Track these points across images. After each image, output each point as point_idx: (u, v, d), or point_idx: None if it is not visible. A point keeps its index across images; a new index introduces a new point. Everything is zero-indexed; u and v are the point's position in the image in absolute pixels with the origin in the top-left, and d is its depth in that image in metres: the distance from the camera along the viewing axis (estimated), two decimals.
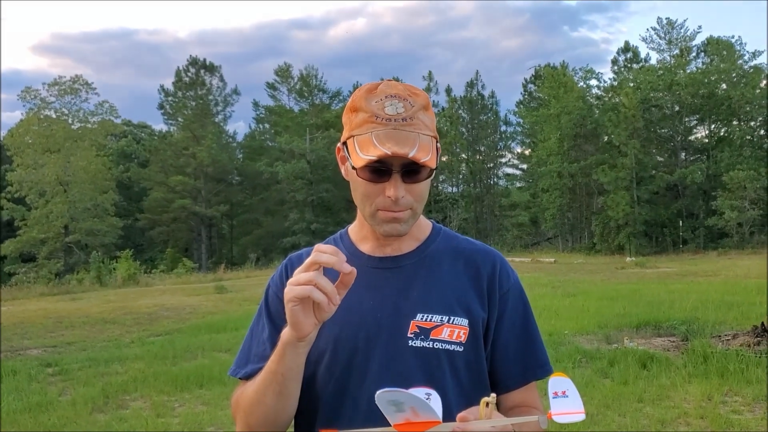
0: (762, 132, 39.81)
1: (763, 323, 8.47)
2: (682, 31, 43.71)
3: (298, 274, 1.16)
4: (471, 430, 1.04)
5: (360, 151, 1.25)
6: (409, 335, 1.32)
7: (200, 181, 48.32)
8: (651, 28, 45.06)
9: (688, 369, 7.22)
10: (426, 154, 1.24)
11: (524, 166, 53.70)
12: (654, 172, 39.63)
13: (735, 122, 39.96)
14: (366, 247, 1.43)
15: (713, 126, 41.77)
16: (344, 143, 1.33)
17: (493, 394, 1.08)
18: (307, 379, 1.35)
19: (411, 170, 1.26)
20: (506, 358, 1.41)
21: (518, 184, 55.81)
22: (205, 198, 48.61)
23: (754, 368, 6.97)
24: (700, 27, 60.54)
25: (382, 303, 1.36)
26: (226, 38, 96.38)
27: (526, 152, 52.63)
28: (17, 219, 40.37)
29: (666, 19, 43.97)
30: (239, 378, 1.43)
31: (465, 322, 1.35)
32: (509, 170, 55.12)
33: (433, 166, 1.26)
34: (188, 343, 10.59)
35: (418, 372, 1.30)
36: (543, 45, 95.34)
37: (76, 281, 26.08)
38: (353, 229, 1.48)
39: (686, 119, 41.18)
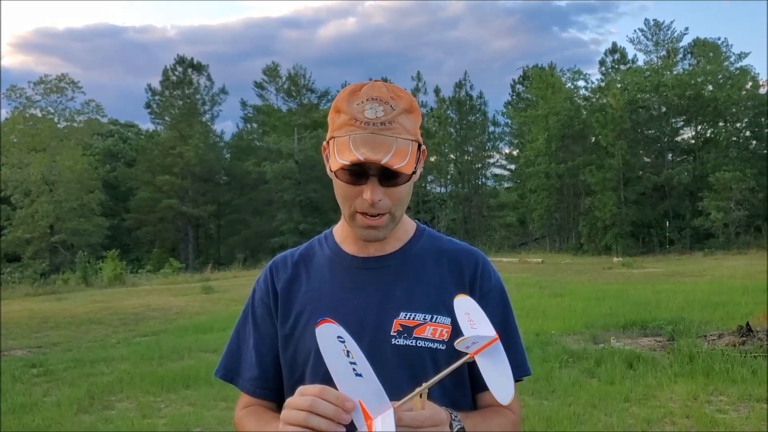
0: (748, 133, 40.11)
1: (748, 323, 8.53)
2: (669, 32, 44.07)
3: (297, 398, 1.12)
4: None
5: (337, 154, 1.27)
6: (392, 334, 1.34)
7: (187, 181, 48.10)
8: (638, 29, 45.50)
9: (674, 368, 7.26)
10: (401, 160, 1.25)
11: (512, 167, 53.83)
12: (641, 172, 39.84)
13: (721, 123, 40.20)
14: (350, 248, 1.45)
15: (700, 127, 42.01)
16: (328, 143, 1.35)
17: (425, 384, 1.11)
18: (297, 380, 1.38)
19: (389, 174, 1.27)
20: None
21: (506, 185, 55.95)
22: (192, 198, 48.40)
23: (739, 368, 7.01)
24: (686, 29, 61.06)
25: (366, 303, 1.38)
26: (215, 37, 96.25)
27: (514, 153, 52.79)
28: (2, 218, 40.08)
29: (653, 20, 44.32)
30: (238, 388, 1.49)
31: (448, 320, 1.36)
32: (497, 171, 55.29)
33: (409, 171, 1.27)
34: (175, 344, 10.53)
35: (401, 370, 1.32)
36: (533, 46, 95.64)
37: (61, 281, 25.89)
38: (337, 229, 1.50)
39: (673, 120, 41.39)
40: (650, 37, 44.54)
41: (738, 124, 40.07)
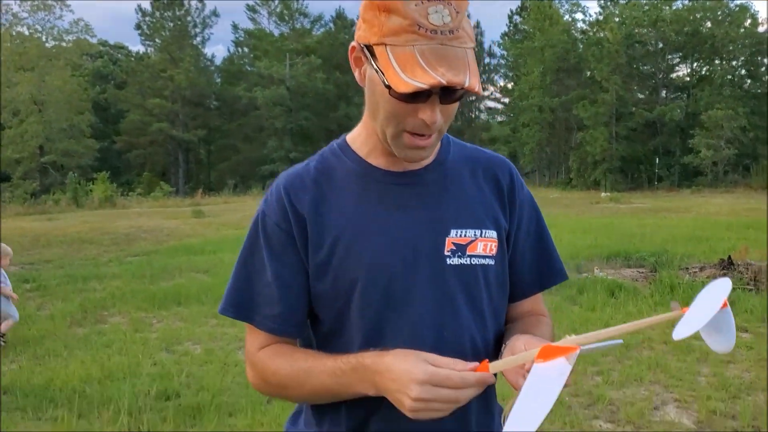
0: (743, 72, 39.90)
1: (729, 257, 8.72)
2: None
3: (433, 374, 1.07)
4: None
5: (402, 71, 1.07)
6: (446, 253, 1.26)
7: (177, 105, 47.65)
8: None
9: (654, 298, 7.43)
10: (477, 79, 1.11)
11: (506, 100, 53.51)
12: (634, 108, 39.74)
13: (717, 61, 39.95)
14: (378, 161, 1.29)
15: (695, 64, 41.76)
16: (368, 47, 1.14)
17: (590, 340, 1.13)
18: (339, 309, 1.26)
19: (451, 91, 1.12)
20: (523, 266, 1.39)
21: (499, 119, 55.72)
22: (183, 122, 48.05)
23: None
24: None
25: (413, 222, 1.26)
26: None
27: (509, 86, 52.40)
28: None
29: None
30: (254, 326, 1.30)
31: (494, 234, 1.30)
32: (491, 104, 54.99)
33: (482, 92, 1.14)
34: (166, 264, 10.68)
35: (459, 290, 1.26)
36: None
37: (52, 202, 25.91)
38: (356, 140, 1.33)
39: (669, 57, 41.09)
40: None
41: (734, 62, 39.85)
